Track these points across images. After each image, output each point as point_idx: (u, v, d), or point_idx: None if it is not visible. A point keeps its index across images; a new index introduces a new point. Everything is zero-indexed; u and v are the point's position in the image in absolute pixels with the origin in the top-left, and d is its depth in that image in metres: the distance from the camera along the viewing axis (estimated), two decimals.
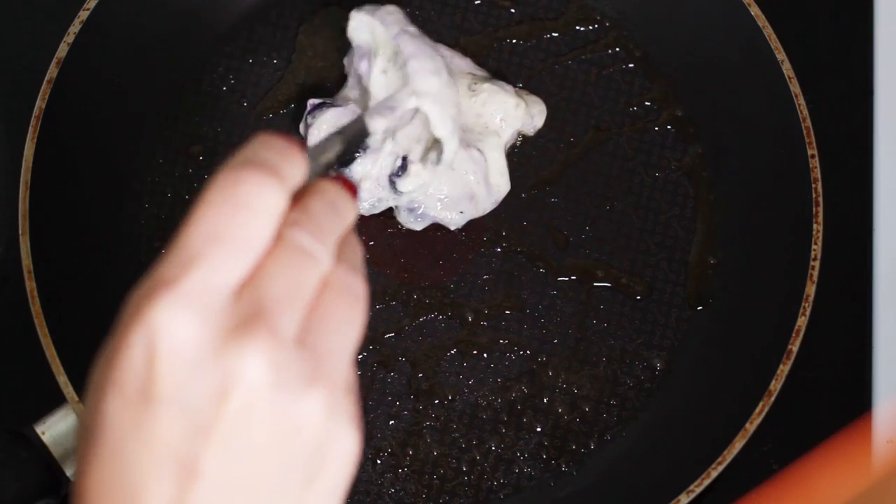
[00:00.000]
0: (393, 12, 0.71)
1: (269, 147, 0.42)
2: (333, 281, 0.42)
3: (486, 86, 0.75)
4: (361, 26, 0.71)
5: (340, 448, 0.41)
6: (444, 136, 0.69)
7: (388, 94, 0.69)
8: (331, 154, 0.45)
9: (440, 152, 0.70)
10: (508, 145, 0.76)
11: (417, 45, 0.70)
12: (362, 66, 0.72)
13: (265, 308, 0.40)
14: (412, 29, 0.71)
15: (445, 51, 0.77)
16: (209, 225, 0.40)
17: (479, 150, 0.74)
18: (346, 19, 0.72)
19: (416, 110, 0.67)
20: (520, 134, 0.77)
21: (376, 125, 0.58)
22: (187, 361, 0.39)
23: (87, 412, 0.40)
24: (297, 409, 0.40)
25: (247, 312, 0.39)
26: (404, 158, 0.72)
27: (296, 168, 0.42)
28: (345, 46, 0.77)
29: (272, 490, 0.40)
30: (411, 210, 0.74)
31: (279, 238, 0.41)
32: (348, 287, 0.42)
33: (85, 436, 0.40)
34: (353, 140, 0.48)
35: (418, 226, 0.75)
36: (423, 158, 0.71)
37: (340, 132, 0.46)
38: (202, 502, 0.39)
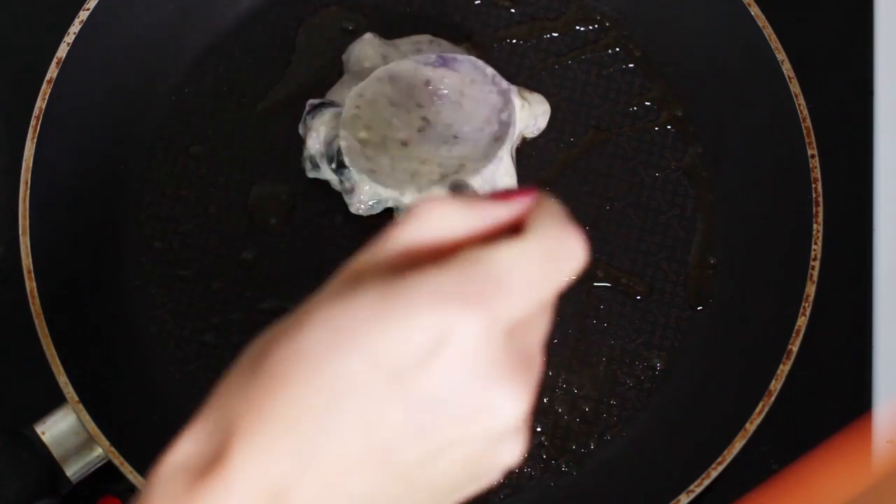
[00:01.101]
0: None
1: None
2: None
3: None
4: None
5: (491, 478, 0.43)
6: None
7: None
8: None
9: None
10: (514, 147, 0.76)
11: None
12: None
13: (529, 361, 0.42)
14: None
15: (448, 46, 0.77)
16: (532, 268, 0.41)
17: None
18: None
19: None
20: (522, 136, 0.77)
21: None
22: (460, 376, 0.40)
23: (314, 341, 0.40)
24: (502, 454, 0.42)
25: (517, 360, 0.41)
26: None
27: None
28: (345, 46, 0.77)
29: (430, 495, 0.42)
30: None
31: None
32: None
33: (299, 355, 0.40)
34: None
35: None
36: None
37: None
38: (376, 482, 0.40)
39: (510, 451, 0.42)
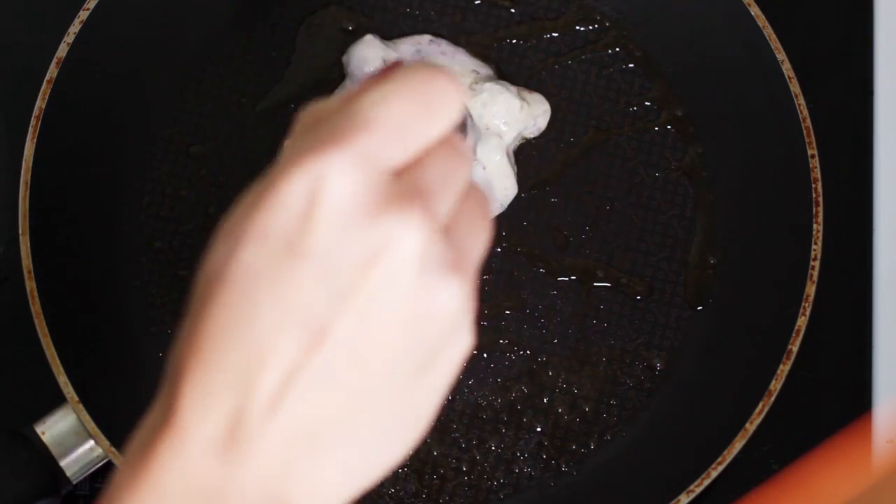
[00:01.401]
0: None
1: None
2: (471, 191, 0.43)
3: (489, 85, 0.74)
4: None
5: (458, 345, 0.41)
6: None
7: None
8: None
9: None
10: (512, 148, 0.76)
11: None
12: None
13: (425, 190, 0.40)
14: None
15: (447, 47, 0.77)
16: (397, 103, 0.40)
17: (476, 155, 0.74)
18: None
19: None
20: (522, 137, 0.77)
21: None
22: (346, 220, 0.38)
23: (217, 259, 0.40)
24: (435, 295, 0.39)
25: (407, 190, 0.39)
26: None
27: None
28: (345, 46, 0.77)
29: (389, 371, 0.40)
30: None
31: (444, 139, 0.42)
32: (481, 199, 0.43)
33: (209, 282, 0.39)
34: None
35: None
36: None
37: None
38: (321, 369, 0.39)
39: (445, 287, 0.40)
